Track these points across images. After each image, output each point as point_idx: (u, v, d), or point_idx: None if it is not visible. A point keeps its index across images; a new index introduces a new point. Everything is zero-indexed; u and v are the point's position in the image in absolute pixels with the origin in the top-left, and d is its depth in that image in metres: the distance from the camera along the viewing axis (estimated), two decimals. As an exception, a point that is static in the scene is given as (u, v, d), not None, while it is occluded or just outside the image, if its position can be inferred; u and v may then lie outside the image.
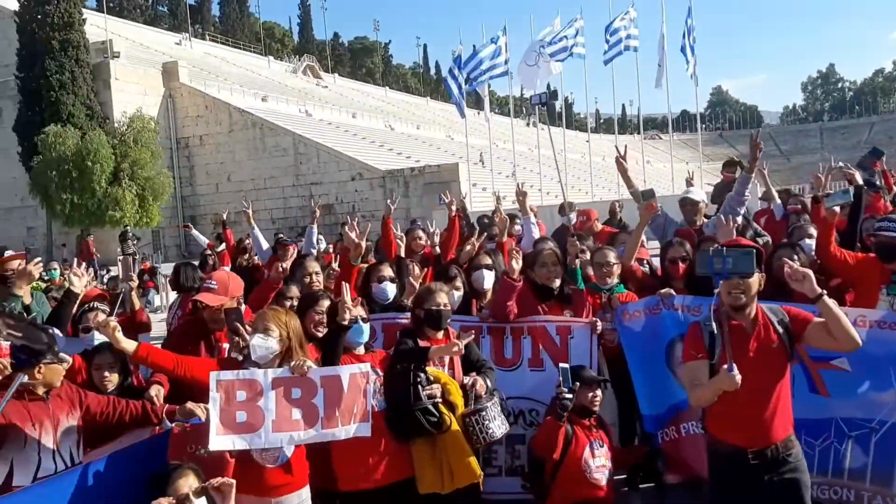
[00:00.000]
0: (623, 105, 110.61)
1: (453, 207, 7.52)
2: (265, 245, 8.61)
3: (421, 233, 7.75)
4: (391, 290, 5.26)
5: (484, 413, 4.30)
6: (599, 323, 5.18)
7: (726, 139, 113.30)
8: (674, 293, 5.06)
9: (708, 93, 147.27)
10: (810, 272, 3.41)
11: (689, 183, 7.10)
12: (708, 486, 5.16)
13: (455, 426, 4.20)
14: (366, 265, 5.75)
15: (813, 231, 5.79)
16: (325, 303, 4.61)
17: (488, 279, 5.58)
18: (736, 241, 3.95)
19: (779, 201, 8.59)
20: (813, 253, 5.49)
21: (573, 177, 43.22)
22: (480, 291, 5.59)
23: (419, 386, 4.10)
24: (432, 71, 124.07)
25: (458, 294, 5.31)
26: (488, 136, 34.59)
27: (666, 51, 26.79)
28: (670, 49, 27.35)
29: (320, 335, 4.42)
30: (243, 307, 4.62)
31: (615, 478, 4.95)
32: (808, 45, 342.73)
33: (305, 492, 3.86)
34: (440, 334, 4.61)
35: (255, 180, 39.29)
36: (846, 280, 5.19)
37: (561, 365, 4.39)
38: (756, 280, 3.46)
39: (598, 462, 4.61)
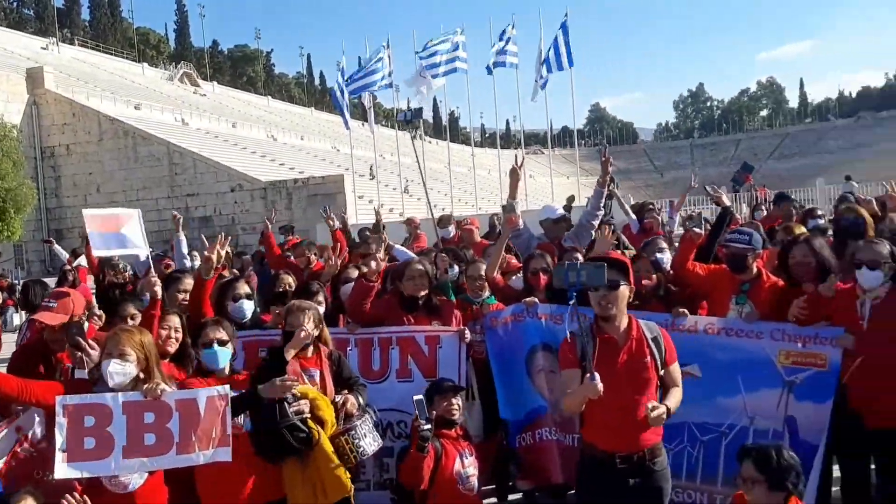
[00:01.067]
0: (507, 120, 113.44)
1: (333, 223, 7.40)
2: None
3: (307, 250, 7.61)
4: (248, 307, 5.10)
5: (353, 431, 4.24)
6: (468, 331, 5.22)
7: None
8: (538, 302, 5.18)
9: (587, 110, 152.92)
10: (663, 410, 3.45)
11: (569, 201, 7.34)
12: (568, 492, 5.33)
13: (325, 441, 4.10)
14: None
15: (664, 245, 6.08)
16: (174, 319, 4.45)
17: None
18: (606, 255, 4.04)
19: (633, 217, 9.07)
20: (668, 266, 5.73)
21: (459, 190, 43.71)
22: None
23: (285, 402, 3.95)
24: (317, 81, 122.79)
25: (320, 309, 5.21)
26: (374, 148, 34.49)
27: (544, 67, 27.52)
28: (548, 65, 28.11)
29: (171, 351, 4.27)
30: (86, 323, 4.35)
31: (484, 488, 5.01)
32: (680, 65, 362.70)
33: None
34: (310, 352, 4.50)
35: (126, 192, 37.52)
36: (701, 292, 5.42)
37: (415, 397, 4.35)
38: (625, 292, 3.61)
39: (469, 472, 4.64)
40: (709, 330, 4.89)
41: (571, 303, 3.37)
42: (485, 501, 5.17)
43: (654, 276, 5.32)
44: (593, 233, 6.58)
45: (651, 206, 9.44)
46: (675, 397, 3.63)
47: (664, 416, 3.44)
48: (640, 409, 3.49)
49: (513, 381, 5.25)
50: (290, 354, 4.18)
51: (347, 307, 5.38)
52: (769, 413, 4.70)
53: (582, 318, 3.48)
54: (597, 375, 3.29)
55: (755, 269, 5.13)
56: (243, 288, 5.17)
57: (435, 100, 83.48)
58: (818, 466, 4.50)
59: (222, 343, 4.05)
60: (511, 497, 5.76)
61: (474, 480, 4.65)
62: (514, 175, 6.48)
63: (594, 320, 3.67)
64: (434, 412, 4.46)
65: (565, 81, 29.34)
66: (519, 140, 45.16)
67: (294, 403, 4.00)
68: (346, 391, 4.51)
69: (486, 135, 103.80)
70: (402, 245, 9.94)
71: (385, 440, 4.97)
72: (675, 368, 3.73)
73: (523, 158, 6.68)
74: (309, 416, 4.06)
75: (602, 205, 6.79)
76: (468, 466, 4.63)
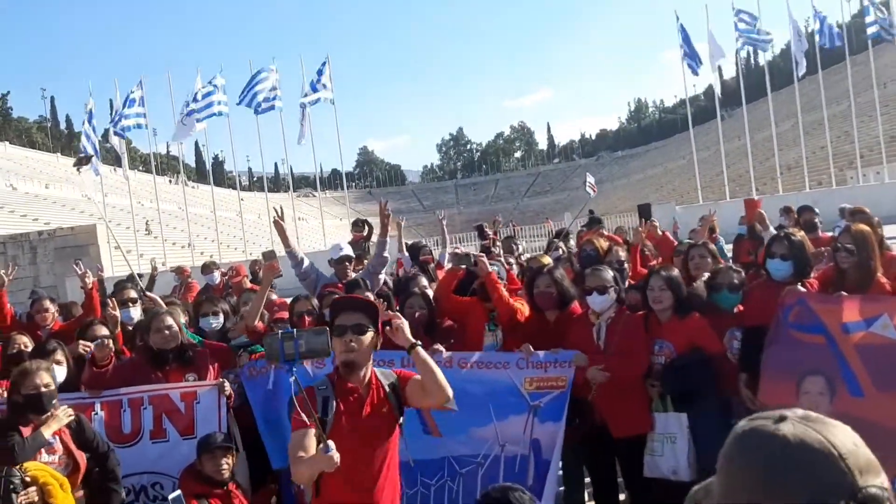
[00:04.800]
0: (276, 163, 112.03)
1: (87, 280, 6.83)
2: None
3: (48, 303, 6.96)
4: None
5: None
6: (227, 384, 5.02)
7: (375, 196, 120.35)
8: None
9: (356, 152, 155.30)
10: (404, 323, 3.44)
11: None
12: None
13: None
14: None
15: (424, 281, 6.34)
16: None
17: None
18: (355, 298, 3.77)
19: (406, 254, 9.46)
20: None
21: (227, 235, 42.36)
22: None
23: (13, 493, 3.56)
24: (62, 125, 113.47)
25: (61, 370, 4.81)
26: (129, 194, 32.42)
27: (308, 111, 27.67)
28: (314, 109, 28.30)
29: None
30: None
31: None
32: (441, 109, 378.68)
33: None
34: (44, 418, 4.12)
35: None
36: (460, 321, 5.68)
37: (171, 496, 4.12)
38: (371, 338, 3.33)
39: None
40: (461, 364, 5.11)
41: (292, 380, 3.02)
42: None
43: (424, 310, 5.47)
44: (381, 278, 6.78)
45: (424, 245, 10.00)
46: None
47: (403, 328, 3.39)
48: (382, 468, 3.30)
49: (279, 431, 5.11)
50: (49, 431, 3.98)
51: (84, 384, 4.97)
52: (517, 438, 4.97)
53: (321, 385, 3.26)
54: (332, 445, 2.94)
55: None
56: None
57: (197, 143, 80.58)
58: (553, 480, 4.90)
59: None
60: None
61: None
62: (278, 226, 6.60)
63: (334, 370, 3.39)
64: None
65: (332, 124, 29.70)
66: (289, 183, 44.82)
67: (23, 494, 3.61)
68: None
69: (255, 178, 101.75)
70: (172, 295, 9.46)
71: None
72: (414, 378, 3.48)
73: (282, 208, 6.73)
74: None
75: (386, 252, 7.02)
76: None
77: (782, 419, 1.20)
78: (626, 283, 5.78)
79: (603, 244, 7.11)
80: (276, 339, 3.03)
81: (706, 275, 5.47)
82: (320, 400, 3.23)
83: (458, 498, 4.98)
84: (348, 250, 7.19)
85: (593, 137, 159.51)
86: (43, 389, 4.10)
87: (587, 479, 5.44)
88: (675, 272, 5.15)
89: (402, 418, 3.43)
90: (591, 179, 10.50)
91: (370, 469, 3.26)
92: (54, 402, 4.18)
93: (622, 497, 5.30)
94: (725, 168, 33.80)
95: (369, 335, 3.30)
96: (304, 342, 3.02)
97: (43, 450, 4.06)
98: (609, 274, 5.08)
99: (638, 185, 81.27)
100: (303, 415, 3.09)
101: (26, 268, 27.44)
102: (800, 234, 5.06)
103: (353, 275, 6.97)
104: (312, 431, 3.09)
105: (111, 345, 5.08)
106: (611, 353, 4.89)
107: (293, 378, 3.00)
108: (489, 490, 3.91)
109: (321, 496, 3.25)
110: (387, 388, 3.39)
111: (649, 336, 4.92)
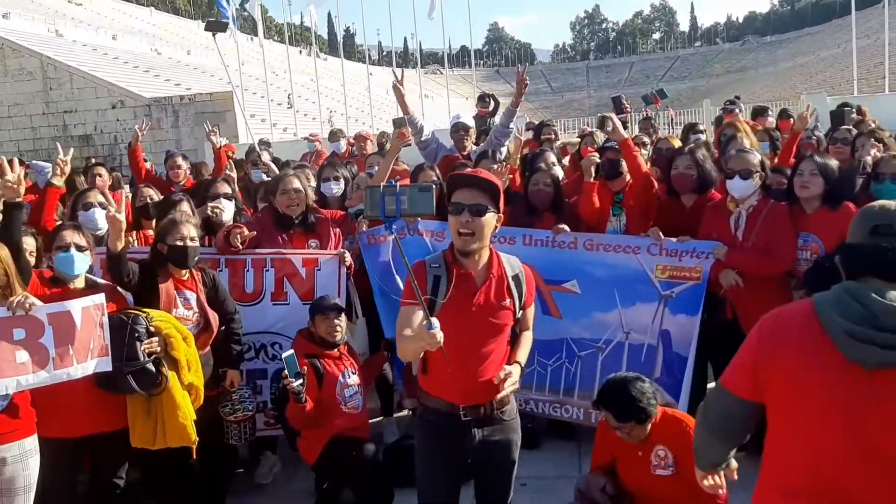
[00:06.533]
0: (405, 38, 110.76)
1: (214, 139, 7.09)
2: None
3: (181, 160, 7.29)
4: (101, 216, 4.75)
5: (232, 412, 4.51)
6: (348, 254, 5.03)
7: (503, 75, 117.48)
8: (419, 218, 5.00)
9: (485, 29, 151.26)
10: (516, 377, 3.03)
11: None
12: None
13: (175, 386, 3.80)
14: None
15: (553, 158, 6.06)
16: (29, 241, 4.11)
17: (228, 210, 5.26)
18: (474, 174, 3.27)
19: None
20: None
21: (355, 109, 42.72)
22: (217, 222, 5.22)
23: (136, 341, 3.63)
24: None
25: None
26: (263, 63, 33.01)
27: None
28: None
29: None
30: None
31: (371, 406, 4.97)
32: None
33: (29, 442, 3.36)
34: (185, 273, 4.24)
35: (-5, 108, 34.69)
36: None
37: (284, 354, 4.20)
38: (491, 221, 2.96)
39: (351, 391, 4.57)
40: (588, 246, 4.91)
41: (392, 237, 2.68)
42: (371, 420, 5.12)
43: (550, 188, 5.25)
44: (503, 150, 6.55)
45: (549, 123, 9.72)
46: (525, 347, 3.18)
47: (517, 384, 3.04)
48: (490, 358, 3.05)
49: (394, 301, 5.13)
50: (116, 245, 3.84)
51: (217, 247, 4.99)
52: (644, 327, 4.77)
53: (434, 262, 3.01)
54: (436, 323, 2.67)
55: (627, 178, 5.20)
56: (95, 197, 4.84)
57: (329, 15, 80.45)
58: (689, 377, 4.63)
59: (80, 249, 3.75)
60: (397, 414, 5.76)
61: (358, 399, 4.59)
62: (397, 90, 6.26)
63: (449, 248, 3.07)
64: (303, 367, 4.30)
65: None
66: (417, 59, 44.34)
67: (146, 342, 3.69)
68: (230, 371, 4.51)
69: (384, 52, 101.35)
70: (303, 160, 9.61)
71: (257, 361, 4.88)
72: (531, 311, 3.25)
73: (402, 72, 6.43)
74: (162, 355, 3.77)
75: (513, 123, 6.78)
76: (351, 386, 4.56)
77: None
78: None
79: (747, 129, 6.55)
80: (377, 193, 2.70)
81: (868, 160, 4.92)
82: (431, 278, 2.99)
83: (575, 380, 4.90)
84: (466, 120, 6.99)
85: (740, 20, 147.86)
86: (188, 243, 4.16)
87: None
88: (832, 160, 4.64)
89: (520, 312, 3.14)
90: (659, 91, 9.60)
91: (479, 352, 3.03)
92: (196, 258, 4.24)
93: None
94: (887, 58, 30.36)
95: (489, 216, 2.93)
96: (408, 198, 2.68)
97: (180, 304, 4.17)
98: (756, 158, 4.62)
99: (785, 73, 75.13)
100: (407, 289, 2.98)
101: (168, 130, 28.73)
102: None
103: (471, 146, 6.80)
104: (418, 310, 2.85)
105: (245, 233, 4.87)
106: (751, 247, 4.52)
107: (393, 237, 2.66)
108: (609, 379, 3.79)
109: (428, 373, 3.12)
110: (510, 279, 3.09)
111: (795, 229, 4.50)
